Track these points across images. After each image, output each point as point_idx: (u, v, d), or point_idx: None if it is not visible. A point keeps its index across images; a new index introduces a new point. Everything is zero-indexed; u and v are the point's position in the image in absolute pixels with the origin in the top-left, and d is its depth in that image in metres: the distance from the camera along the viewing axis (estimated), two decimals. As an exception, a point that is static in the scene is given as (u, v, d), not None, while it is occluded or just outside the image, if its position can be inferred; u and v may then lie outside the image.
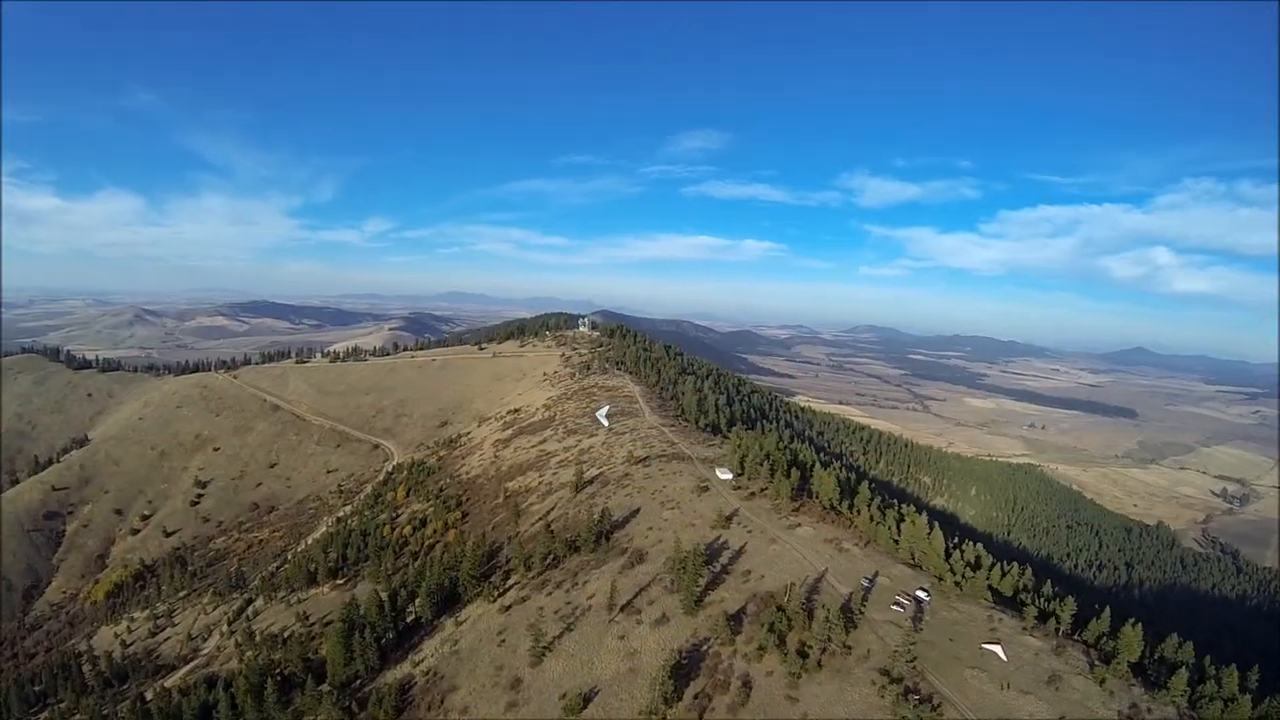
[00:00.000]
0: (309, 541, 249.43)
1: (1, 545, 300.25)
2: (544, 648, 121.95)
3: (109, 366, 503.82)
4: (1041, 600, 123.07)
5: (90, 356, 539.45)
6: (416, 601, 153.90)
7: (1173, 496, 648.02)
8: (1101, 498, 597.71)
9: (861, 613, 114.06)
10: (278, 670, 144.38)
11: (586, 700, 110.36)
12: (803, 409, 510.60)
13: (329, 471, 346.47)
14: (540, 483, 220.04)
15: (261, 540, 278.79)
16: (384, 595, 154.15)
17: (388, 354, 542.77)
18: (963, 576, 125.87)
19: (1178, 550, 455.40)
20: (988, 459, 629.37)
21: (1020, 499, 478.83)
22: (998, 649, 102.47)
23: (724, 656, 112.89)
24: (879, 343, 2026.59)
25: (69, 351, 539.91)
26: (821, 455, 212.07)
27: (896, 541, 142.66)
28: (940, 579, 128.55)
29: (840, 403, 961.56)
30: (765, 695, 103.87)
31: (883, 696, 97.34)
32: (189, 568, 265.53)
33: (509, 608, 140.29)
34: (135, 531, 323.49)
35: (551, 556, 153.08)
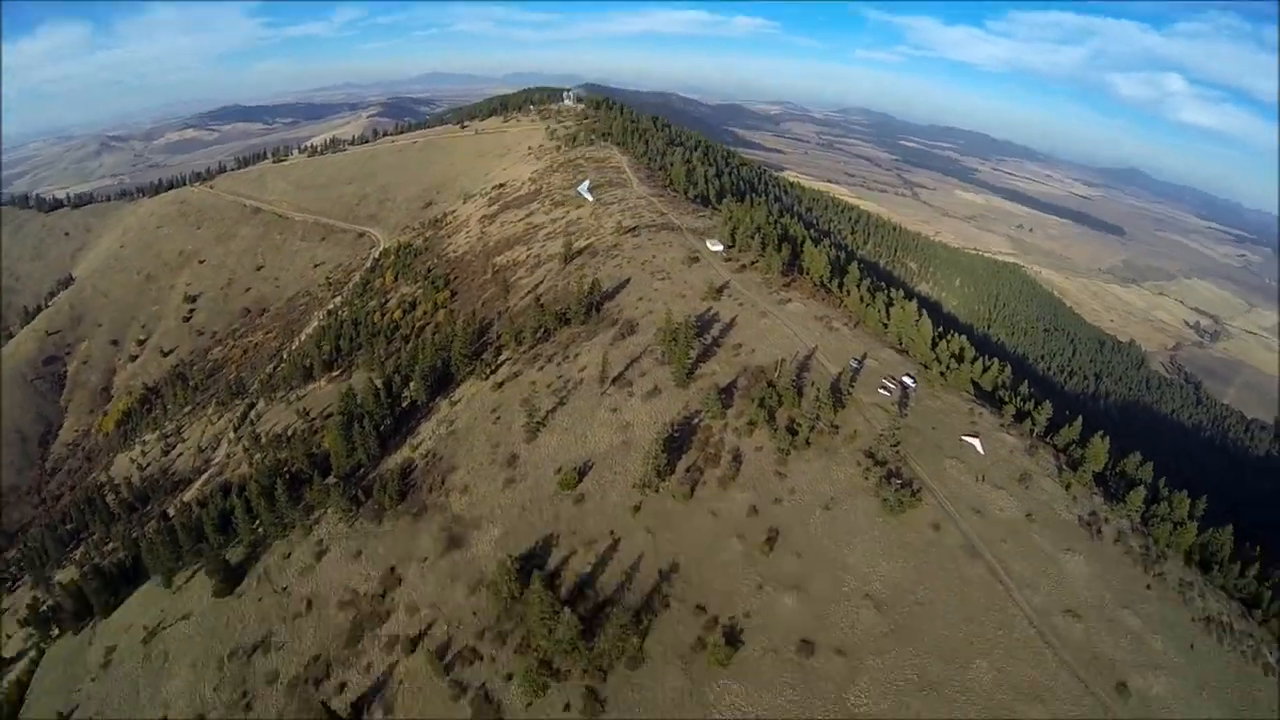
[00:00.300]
0: (302, 338, 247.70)
1: (3, 399, 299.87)
2: (538, 423, 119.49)
3: (81, 201, 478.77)
4: (1018, 400, 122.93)
5: (61, 195, 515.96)
6: (411, 385, 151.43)
7: (1148, 319, 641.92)
8: (1080, 308, 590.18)
9: (849, 394, 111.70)
10: (285, 469, 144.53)
11: (581, 474, 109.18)
12: (792, 184, 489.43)
13: (316, 265, 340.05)
14: (528, 256, 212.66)
15: (256, 344, 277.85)
16: (379, 383, 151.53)
17: (367, 141, 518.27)
18: (947, 367, 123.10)
19: (1145, 371, 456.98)
20: (974, 253, 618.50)
21: (1002, 296, 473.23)
22: (976, 442, 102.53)
23: (715, 430, 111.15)
24: (870, 126, 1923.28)
25: (38, 195, 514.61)
26: (811, 232, 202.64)
27: (885, 325, 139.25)
28: (926, 367, 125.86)
29: (829, 181, 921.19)
30: (755, 469, 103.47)
31: (866, 478, 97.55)
32: (190, 383, 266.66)
33: (502, 384, 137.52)
34: (134, 358, 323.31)
35: (542, 330, 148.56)
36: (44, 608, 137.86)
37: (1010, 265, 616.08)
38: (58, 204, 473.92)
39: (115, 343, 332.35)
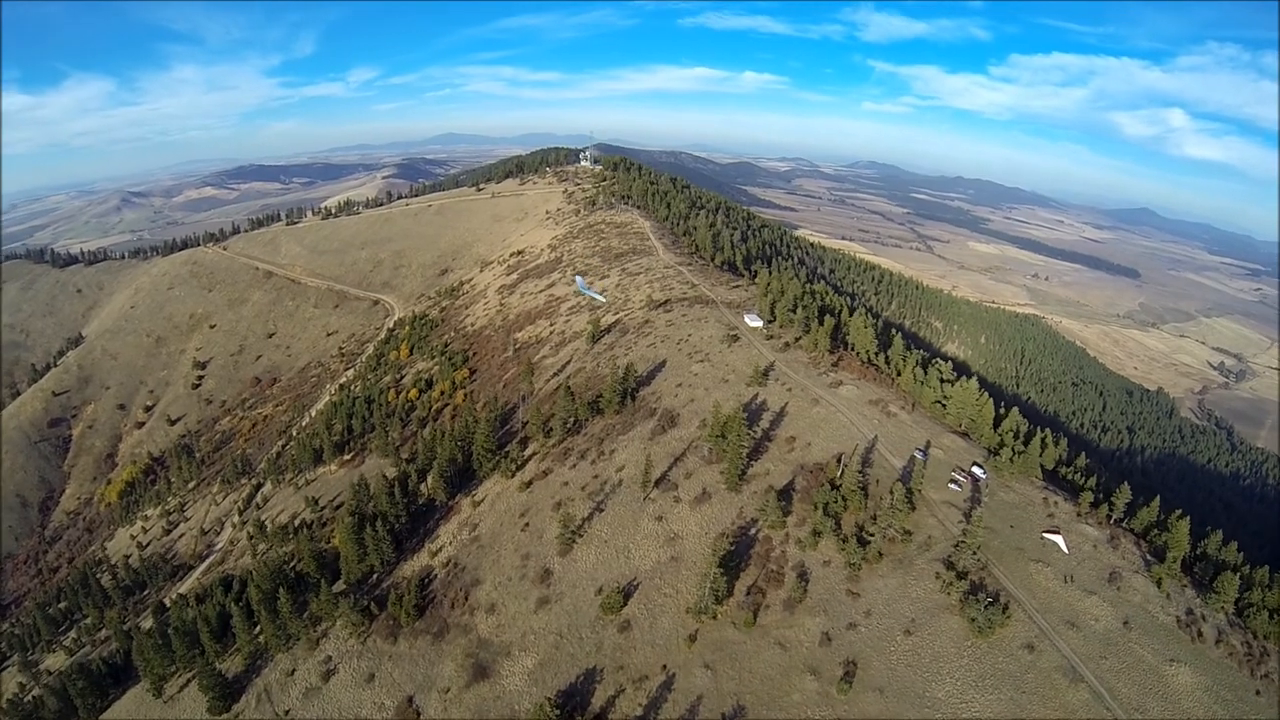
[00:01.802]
0: (313, 414, 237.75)
1: (3, 462, 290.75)
2: (573, 533, 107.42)
3: (95, 258, 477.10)
4: (1078, 474, 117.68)
5: (77, 250, 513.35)
6: (429, 481, 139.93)
7: (1171, 364, 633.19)
8: (1103, 356, 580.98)
9: (919, 492, 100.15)
10: (291, 566, 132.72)
11: (626, 595, 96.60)
12: (813, 245, 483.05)
13: (329, 334, 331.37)
14: (552, 332, 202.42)
15: (266, 416, 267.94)
16: (393, 477, 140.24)
17: (381, 204, 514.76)
18: (1014, 452, 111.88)
19: (1176, 419, 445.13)
20: (993, 306, 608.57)
21: (1028, 352, 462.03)
22: (1059, 540, 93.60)
23: (775, 542, 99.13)
24: (880, 180, 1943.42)
25: (53, 250, 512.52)
26: (848, 300, 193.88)
27: (943, 405, 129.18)
28: (995, 453, 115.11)
29: (843, 238, 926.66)
30: (824, 589, 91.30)
31: (948, 593, 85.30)
32: (196, 456, 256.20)
33: (530, 484, 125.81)
34: (140, 424, 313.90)
35: (573, 420, 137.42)
36: (28, 699, 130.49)
37: (1030, 317, 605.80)
38: (72, 259, 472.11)
39: (122, 407, 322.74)
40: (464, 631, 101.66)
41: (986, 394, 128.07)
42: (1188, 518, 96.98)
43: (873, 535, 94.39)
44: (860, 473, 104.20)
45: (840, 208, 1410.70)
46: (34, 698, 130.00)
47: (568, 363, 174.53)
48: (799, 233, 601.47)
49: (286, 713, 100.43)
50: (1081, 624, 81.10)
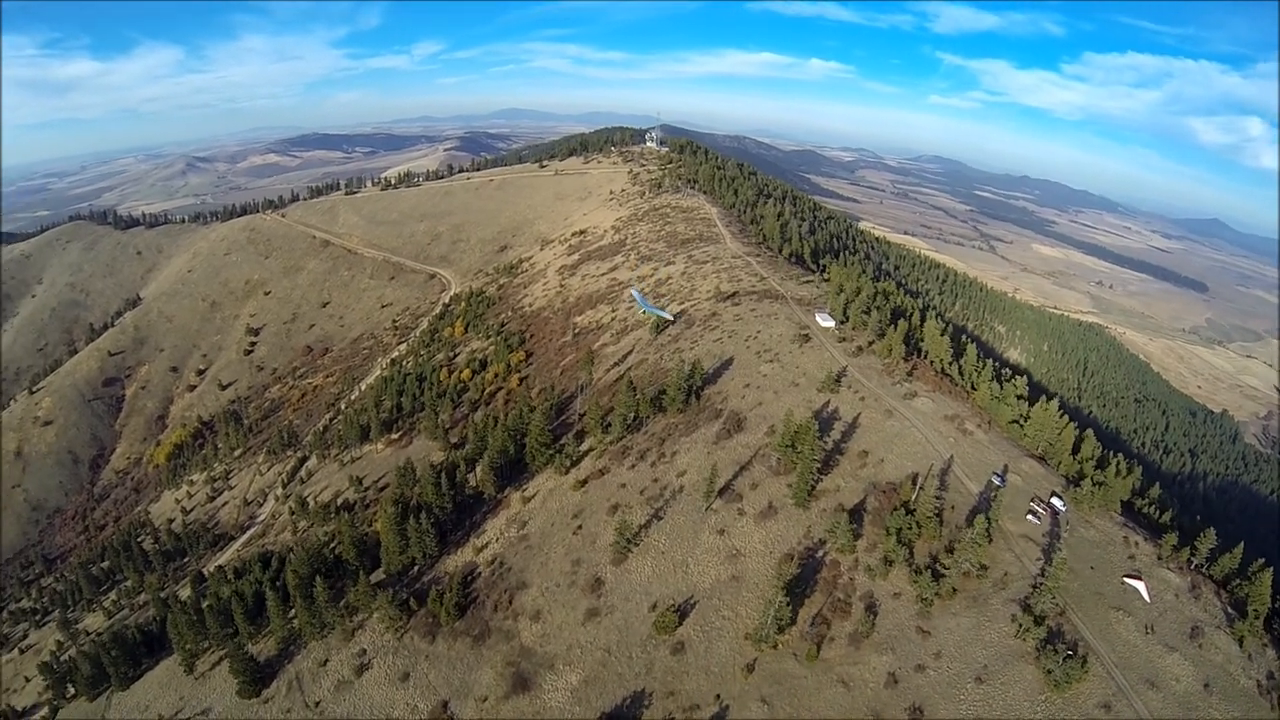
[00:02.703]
0: (363, 387, 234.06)
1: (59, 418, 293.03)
2: (629, 541, 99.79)
3: (155, 221, 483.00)
4: (1150, 506, 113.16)
5: (140, 213, 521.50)
6: (478, 471, 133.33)
7: (1236, 385, 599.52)
8: (1167, 373, 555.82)
9: (996, 523, 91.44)
10: (330, 548, 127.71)
11: (682, 615, 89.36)
12: (877, 240, 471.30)
13: (383, 306, 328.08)
14: (613, 319, 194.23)
15: (315, 386, 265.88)
16: (440, 463, 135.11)
17: (441, 177, 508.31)
18: (1094, 483, 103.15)
19: (1240, 445, 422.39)
20: (1056, 312, 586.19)
21: (1091, 363, 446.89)
22: (1141, 587, 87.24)
23: (843, 568, 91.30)
24: (944, 175, 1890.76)
25: (116, 212, 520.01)
26: (919, 301, 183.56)
27: (1020, 425, 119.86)
28: (1075, 483, 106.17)
29: (905, 233, 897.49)
30: (893, 624, 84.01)
31: (1024, 639, 78.70)
32: (244, 422, 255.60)
33: (585, 483, 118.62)
34: (192, 388, 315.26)
35: (633, 417, 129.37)
36: (64, 659, 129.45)
37: (1093, 326, 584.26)
38: (134, 222, 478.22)
39: (175, 369, 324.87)
40: (506, 637, 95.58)
41: (1067, 417, 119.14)
42: (1270, 569, 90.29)
43: (948, 569, 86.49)
44: (936, 497, 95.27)
45: (903, 201, 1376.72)
46: (69, 659, 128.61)
47: (629, 353, 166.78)
48: (861, 225, 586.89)
49: (317, 704, 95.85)
50: (1161, 684, 74.87)
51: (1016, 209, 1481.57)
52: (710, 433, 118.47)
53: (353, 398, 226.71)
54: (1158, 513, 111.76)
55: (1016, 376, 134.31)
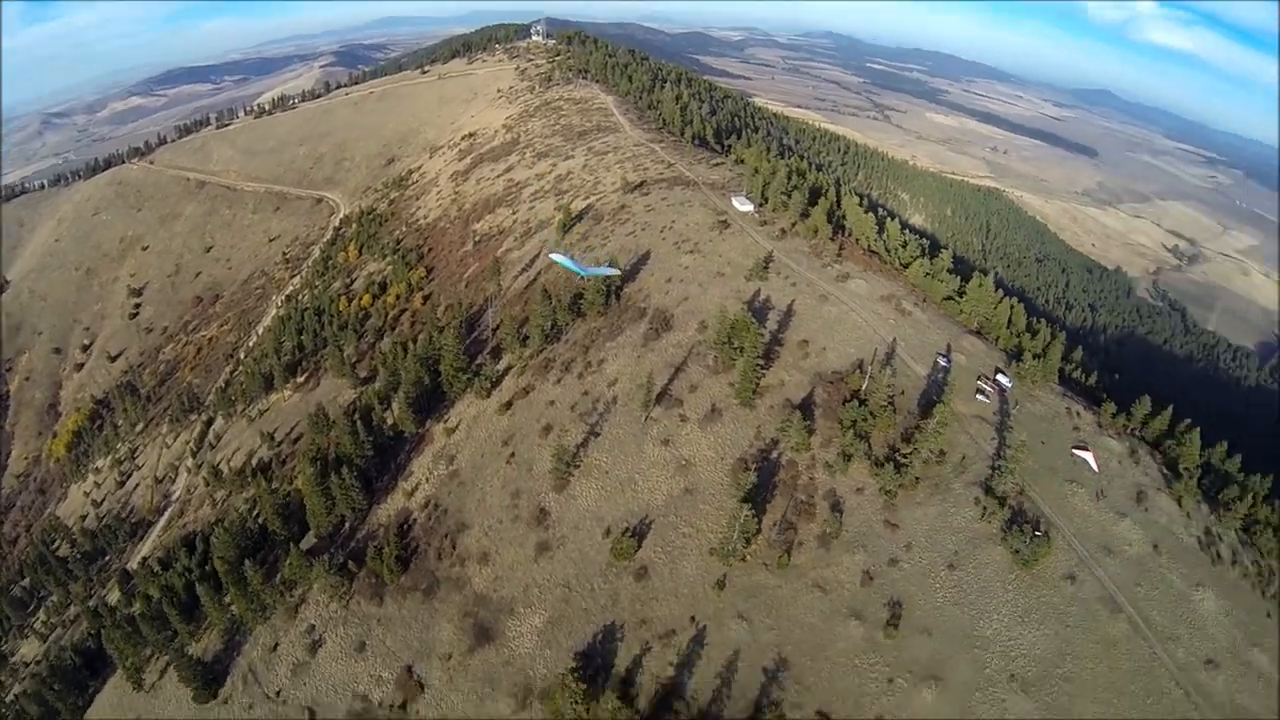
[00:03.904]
0: (260, 331, 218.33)
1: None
2: (568, 464, 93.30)
3: (11, 193, 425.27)
4: (1076, 370, 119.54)
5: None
6: (394, 407, 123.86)
7: (1127, 243, 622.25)
8: (1063, 233, 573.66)
9: (948, 404, 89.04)
10: (254, 517, 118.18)
11: (639, 537, 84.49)
12: (776, 116, 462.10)
13: (271, 240, 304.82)
14: (515, 221, 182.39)
15: (211, 339, 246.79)
16: (350, 401, 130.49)
17: (319, 96, 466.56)
18: (1034, 357, 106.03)
19: (1134, 299, 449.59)
20: (955, 178, 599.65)
21: (993, 227, 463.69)
22: (1089, 457, 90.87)
23: (801, 467, 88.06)
24: (836, 49, 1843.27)
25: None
26: (829, 176, 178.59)
27: (956, 301, 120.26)
28: (1017, 358, 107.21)
29: (800, 107, 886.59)
30: (860, 521, 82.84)
31: (989, 521, 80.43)
32: (141, 393, 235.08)
33: (510, 405, 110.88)
34: (79, 366, 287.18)
35: (551, 325, 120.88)
36: (9, 701, 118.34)
37: (992, 190, 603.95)
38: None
39: (58, 351, 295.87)
40: (456, 586, 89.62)
41: (1003, 292, 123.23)
42: (1198, 429, 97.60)
43: (908, 458, 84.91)
44: (887, 385, 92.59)
45: (796, 77, 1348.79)
46: (15, 697, 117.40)
47: (536, 256, 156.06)
48: (756, 101, 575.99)
49: (278, 693, 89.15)
50: (1116, 549, 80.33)
51: (909, 80, 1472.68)
52: (637, 335, 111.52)
53: (251, 344, 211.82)
54: (1084, 376, 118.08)
55: (943, 250, 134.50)
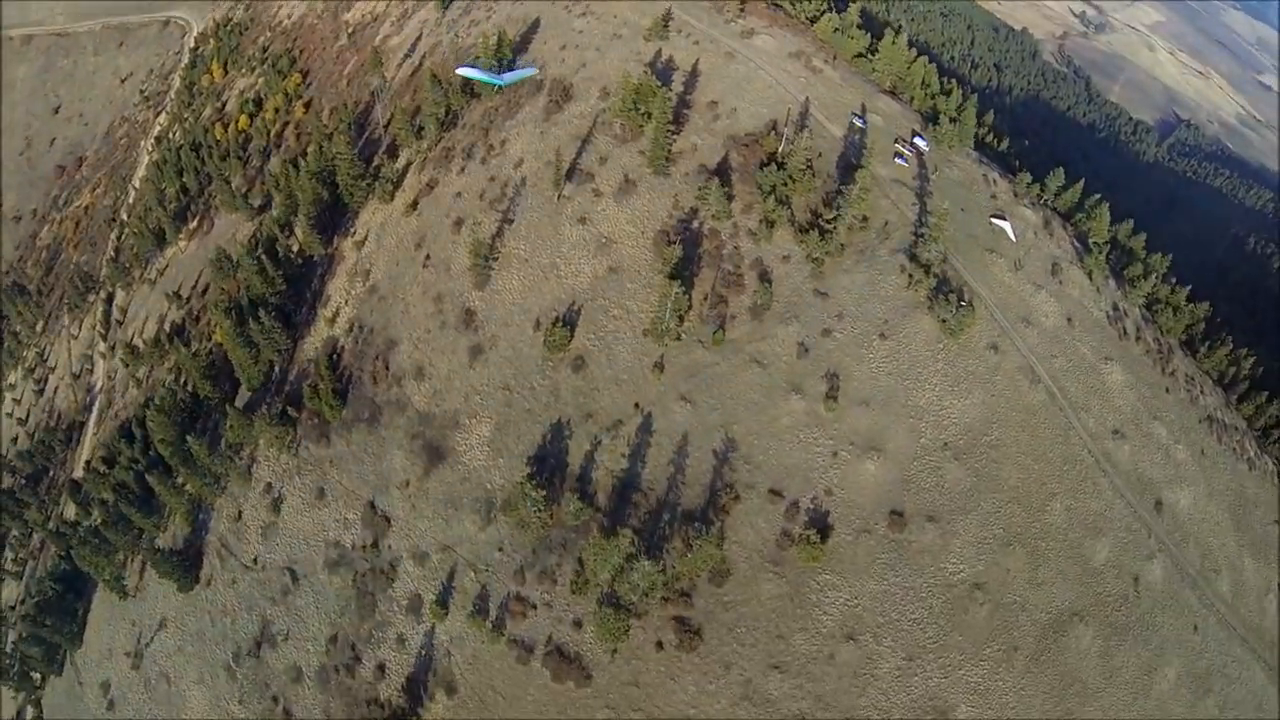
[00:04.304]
0: (138, 184, 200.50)
1: None
2: (485, 258, 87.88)
3: None
4: (987, 133, 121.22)
5: None
6: (297, 232, 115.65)
7: (1034, 5, 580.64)
8: None
9: (867, 168, 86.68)
10: (183, 385, 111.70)
11: (570, 325, 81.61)
12: None
13: (123, 81, 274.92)
14: (388, 4, 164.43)
15: (86, 208, 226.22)
16: (250, 235, 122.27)
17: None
18: (950, 120, 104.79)
19: (1039, 62, 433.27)
20: None
21: None
22: (1006, 226, 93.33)
23: (724, 236, 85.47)
24: None
25: None
26: None
27: (868, 59, 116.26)
28: (933, 121, 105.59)
29: None
30: (790, 290, 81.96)
31: (916, 290, 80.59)
32: (29, 289, 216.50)
33: (415, 204, 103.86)
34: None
35: (445, 112, 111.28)
36: (7, 661, 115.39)
37: None
38: None
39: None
40: (399, 409, 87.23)
41: (915, 51, 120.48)
42: (1107, 204, 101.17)
43: (832, 225, 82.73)
44: (806, 147, 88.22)
45: None
46: (14, 645, 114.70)
47: (418, 39, 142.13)
48: None
49: (255, 560, 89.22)
50: (1034, 321, 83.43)
51: None
52: (537, 109, 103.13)
53: (131, 201, 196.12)
54: (996, 141, 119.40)
55: (850, 3, 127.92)
